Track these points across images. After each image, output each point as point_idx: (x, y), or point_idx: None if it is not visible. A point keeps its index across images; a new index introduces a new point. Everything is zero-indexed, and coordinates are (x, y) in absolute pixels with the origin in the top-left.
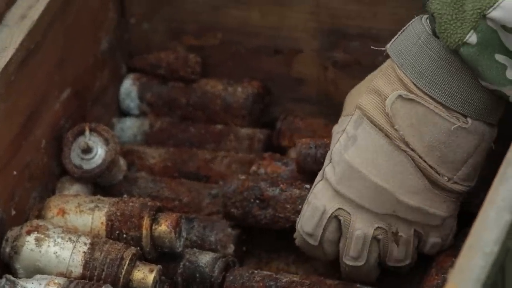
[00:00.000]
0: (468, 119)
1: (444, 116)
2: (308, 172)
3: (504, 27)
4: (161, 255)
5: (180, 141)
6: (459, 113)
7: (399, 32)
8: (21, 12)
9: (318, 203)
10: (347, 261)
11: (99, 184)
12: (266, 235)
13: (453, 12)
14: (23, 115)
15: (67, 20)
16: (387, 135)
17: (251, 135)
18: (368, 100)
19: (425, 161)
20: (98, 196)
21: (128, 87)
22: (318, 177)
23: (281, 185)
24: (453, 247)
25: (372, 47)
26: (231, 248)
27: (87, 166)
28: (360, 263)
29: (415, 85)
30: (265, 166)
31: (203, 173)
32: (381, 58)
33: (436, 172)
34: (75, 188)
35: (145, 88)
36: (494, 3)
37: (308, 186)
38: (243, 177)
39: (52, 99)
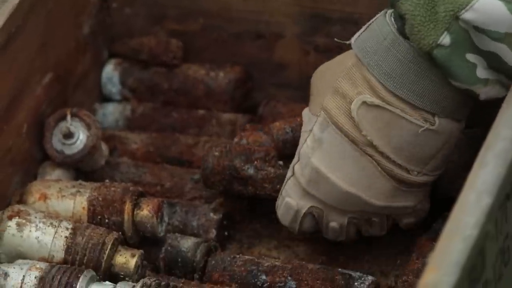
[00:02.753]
0: (436, 118)
1: (410, 119)
2: (289, 155)
3: (476, 28)
4: (143, 240)
5: (162, 126)
6: (427, 111)
7: (363, 28)
8: None
9: (291, 200)
10: (329, 238)
11: (81, 169)
12: (248, 221)
13: (426, 13)
14: (5, 100)
15: (48, 3)
16: (353, 141)
17: (233, 120)
18: (334, 103)
19: (394, 161)
20: (80, 181)
21: (110, 72)
22: (289, 172)
23: (255, 162)
24: (433, 231)
25: (335, 39)
26: (213, 233)
27: (68, 151)
28: (340, 239)
29: (382, 85)
30: (247, 136)
31: (185, 158)
32: None
33: (406, 168)
34: (57, 173)
35: (127, 73)
36: (467, 4)
37: (281, 162)
38: (217, 153)
39: (33, 84)
